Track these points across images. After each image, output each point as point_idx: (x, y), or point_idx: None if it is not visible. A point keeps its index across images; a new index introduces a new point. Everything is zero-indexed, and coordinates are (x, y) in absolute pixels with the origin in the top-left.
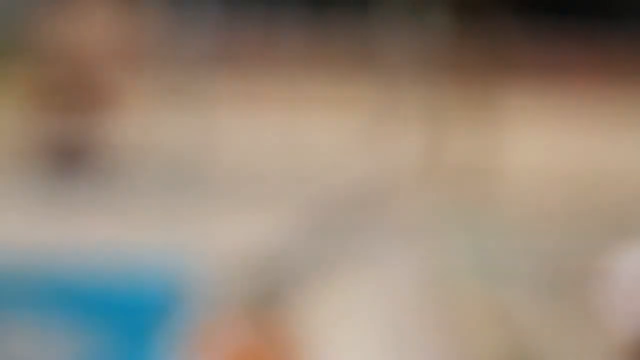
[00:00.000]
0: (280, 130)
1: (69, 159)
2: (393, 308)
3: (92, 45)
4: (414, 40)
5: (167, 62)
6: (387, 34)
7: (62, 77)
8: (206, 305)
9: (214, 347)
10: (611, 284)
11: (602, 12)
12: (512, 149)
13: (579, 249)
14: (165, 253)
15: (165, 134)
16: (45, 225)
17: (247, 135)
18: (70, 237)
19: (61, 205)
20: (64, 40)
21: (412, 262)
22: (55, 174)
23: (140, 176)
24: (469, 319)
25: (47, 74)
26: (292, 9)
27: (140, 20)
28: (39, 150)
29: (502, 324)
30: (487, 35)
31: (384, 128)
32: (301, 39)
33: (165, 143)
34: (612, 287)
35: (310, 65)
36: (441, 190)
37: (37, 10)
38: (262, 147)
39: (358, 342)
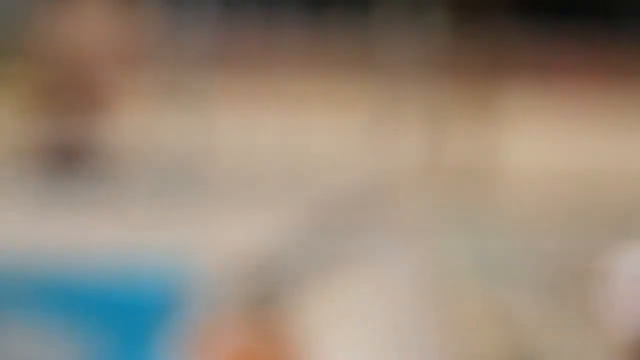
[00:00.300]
0: (279, 130)
1: (68, 160)
2: (393, 308)
3: (91, 46)
4: (414, 40)
5: (167, 62)
6: (387, 34)
7: (61, 77)
8: (206, 305)
9: (214, 348)
10: (611, 284)
11: (602, 12)
12: (511, 149)
13: (579, 249)
14: (164, 253)
15: (165, 134)
16: (44, 225)
17: (246, 135)
18: (69, 238)
19: (60, 205)
20: (62, 40)
21: (412, 262)
22: (55, 175)
23: (139, 176)
24: (469, 318)
25: (45, 74)
26: (292, 9)
27: (140, 20)
28: (38, 151)
29: (502, 324)
30: (487, 35)
31: (384, 128)
32: (301, 38)
33: (165, 143)
34: (612, 287)
35: (310, 65)
36: (441, 190)
37: (36, 11)
38: (261, 147)
39: (358, 342)
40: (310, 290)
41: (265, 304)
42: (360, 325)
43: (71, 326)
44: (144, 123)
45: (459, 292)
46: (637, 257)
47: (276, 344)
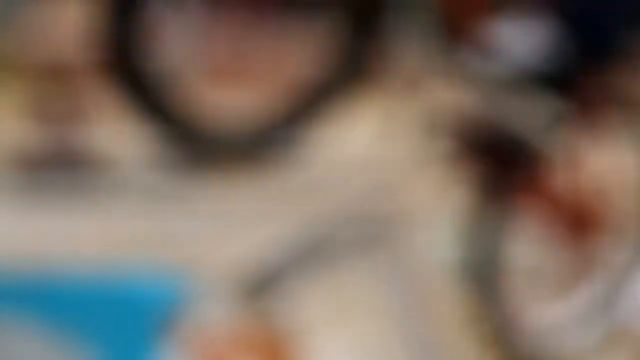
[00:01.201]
0: None
1: (60, 165)
2: (385, 307)
3: (75, 52)
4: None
5: (155, 68)
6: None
7: (46, 83)
8: (201, 311)
9: (208, 351)
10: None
11: None
12: None
13: None
14: (160, 256)
15: (153, 140)
16: (38, 229)
17: None
18: (64, 241)
19: (54, 213)
20: (47, 46)
21: (403, 259)
22: (48, 182)
23: (134, 182)
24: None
25: (30, 81)
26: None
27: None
28: (29, 160)
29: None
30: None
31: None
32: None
33: (155, 149)
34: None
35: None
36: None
37: (20, 17)
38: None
39: (353, 345)
40: (306, 294)
41: (261, 308)
42: (355, 328)
43: (66, 330)
44: (134, 129)
45: (445, 287)
46: None
47: (271, 349)
